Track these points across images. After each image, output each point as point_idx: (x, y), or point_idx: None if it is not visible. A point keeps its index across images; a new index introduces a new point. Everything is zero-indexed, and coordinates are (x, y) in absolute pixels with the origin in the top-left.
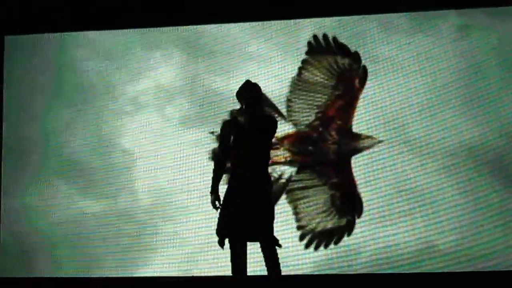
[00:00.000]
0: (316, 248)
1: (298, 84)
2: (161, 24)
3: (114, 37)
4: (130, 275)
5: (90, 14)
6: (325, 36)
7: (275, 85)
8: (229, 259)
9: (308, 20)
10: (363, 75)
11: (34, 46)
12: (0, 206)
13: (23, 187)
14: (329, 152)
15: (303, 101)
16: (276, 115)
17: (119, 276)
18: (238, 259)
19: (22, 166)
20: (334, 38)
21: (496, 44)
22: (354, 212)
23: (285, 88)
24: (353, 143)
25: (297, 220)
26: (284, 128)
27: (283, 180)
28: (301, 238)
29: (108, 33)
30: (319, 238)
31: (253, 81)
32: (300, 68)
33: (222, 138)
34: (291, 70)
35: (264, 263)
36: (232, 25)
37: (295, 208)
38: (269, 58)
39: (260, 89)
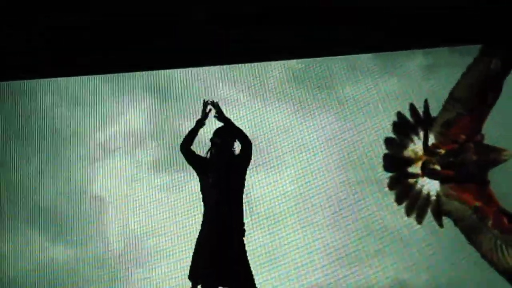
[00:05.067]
0: None
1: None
2: (129, 69)
3: (82, 83)
4: None
5: (57, 61)
6: None
7: (245, 128)
8: None
9: (275, 62)
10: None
11: (0, 93)
12: None
13: None
14: (471, 164)
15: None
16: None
17: None
18: None
19: None
20: None
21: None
22: None
23: (254, 131)
24: (491, 154)
25: None
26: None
27: (433, 198)
28: None
29: (76, 79)
30: None
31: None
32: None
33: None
34: (260, 112)
35: None
36: (199, 69)
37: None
38: (237, 100)
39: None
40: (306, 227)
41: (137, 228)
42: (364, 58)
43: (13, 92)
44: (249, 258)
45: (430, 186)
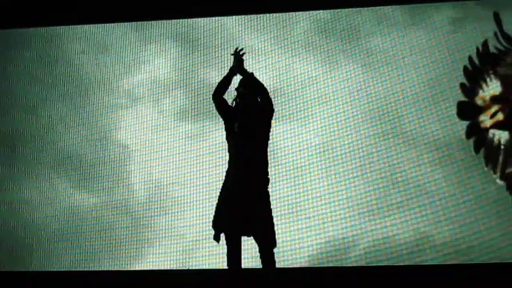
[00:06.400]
0: None
1: None
2: (156, 18)
3: (108, 30)
4: (125, 269)
5: (84, 7)
6: None
7: (270, 79)
8: (224, 252)
9: (302, 13)
10: None
11: (28, 39)
12: None
13: (17, 180)
14: None
15: None
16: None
17: (114, 269)
18: (234, 253)
19: (16, 159)
20: None
21: (490, 36)
22: None
23: (280, 82)
24: None
25: None
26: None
27: (503, 147)
28: None
29: (103, 26)
30: None
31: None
32: None
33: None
34: (286, 63)
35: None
36: (226, 18)
37: None
38: (263, 51)
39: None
40: (330, 179)
41: (162, 177)
42: (392, 10)
43: (40, 38)
44: (272, 208)
45: (500, 136)
